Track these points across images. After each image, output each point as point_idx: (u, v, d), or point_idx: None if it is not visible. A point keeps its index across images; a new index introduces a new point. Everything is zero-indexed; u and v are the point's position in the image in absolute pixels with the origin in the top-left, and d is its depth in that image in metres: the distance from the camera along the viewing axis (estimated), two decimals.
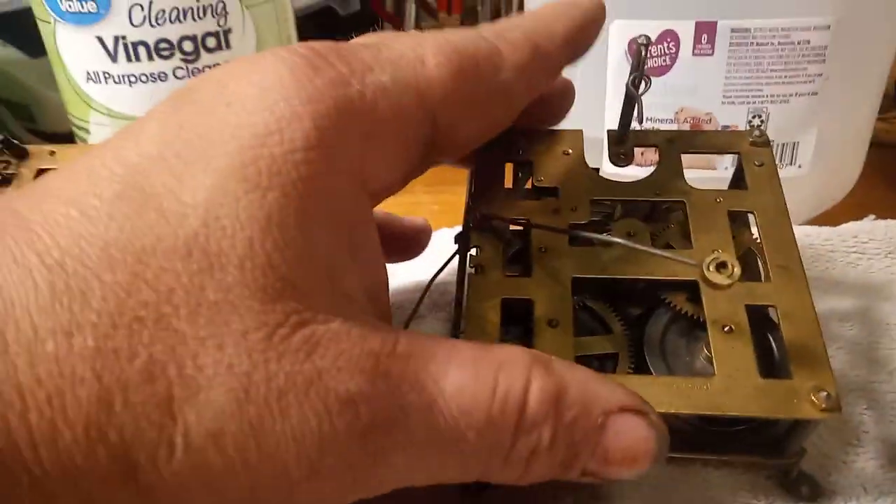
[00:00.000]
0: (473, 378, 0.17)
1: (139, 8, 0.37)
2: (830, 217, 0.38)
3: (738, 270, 0.20)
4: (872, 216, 0.36)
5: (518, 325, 0.24)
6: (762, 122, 0.35)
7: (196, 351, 0.14)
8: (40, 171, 0.29)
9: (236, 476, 0.15)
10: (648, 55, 0.25)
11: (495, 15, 0.57)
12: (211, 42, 0.39)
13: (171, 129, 0.16)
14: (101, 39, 0.38)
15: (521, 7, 0.54)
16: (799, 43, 0.33)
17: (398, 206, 0.45)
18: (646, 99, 0.27)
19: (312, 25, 0.45)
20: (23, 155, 0.29)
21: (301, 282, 0.16)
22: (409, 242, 0.30)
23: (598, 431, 0.18)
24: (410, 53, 0.19)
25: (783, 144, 0.36)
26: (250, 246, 0.15)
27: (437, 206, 0.45)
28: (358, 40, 0.21)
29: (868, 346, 0.28)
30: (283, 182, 0.16)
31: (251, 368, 0.14)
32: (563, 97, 0.26)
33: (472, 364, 0.17)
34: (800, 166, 0.37)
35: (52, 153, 0.29)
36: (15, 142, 0.29)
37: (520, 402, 0.17)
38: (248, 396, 0.14)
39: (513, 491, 0.19)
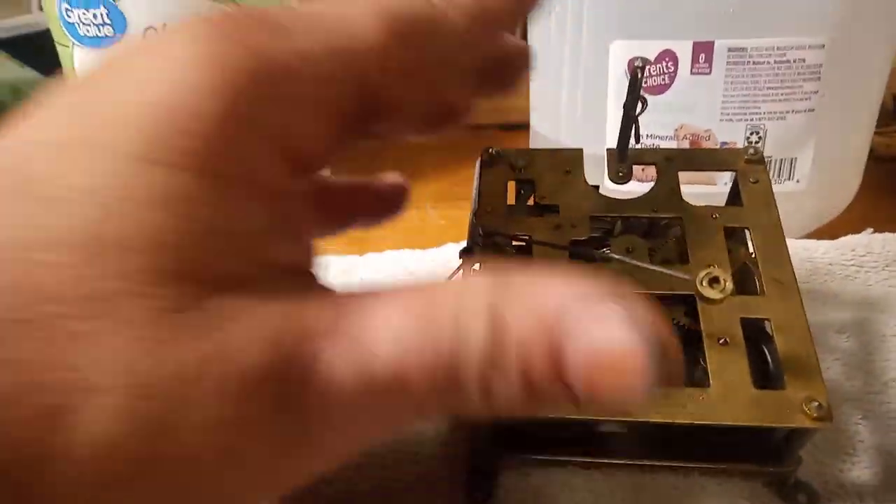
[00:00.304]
0: (413, 320, 0.15)
1: (153, 31, 0.38)
2: (829, 231, 0.38)
3: (730, 285, 0.20)
4: (870, 230, 0.37)
5: None
6: (760, 138, 0.36)
7: (88, 350, 0.13)
8: None
9: (148, 478, 0.13)
10: (646, 76, 0.26)
11: None
12: None
13: (68, 111, 0.15)
14: None
15: (525, 29, 0.56)
16: (794, 61, 0.34)
17: (405, 222, 0.46)
18: (646, 116, 0.28)
19: None
20: None
21: (209, 259, 0.14)
22: (386, 203, 0.28)
23: (552, 341, 0.14)
24: (342, 19, 0.18)
25: (781, 160, 0.37)
26: (153, 227, 0.14)
27: (444, 221, 0.46)
28: (288, 6, 0.20)
29: (864, 358, 0.29)
30: (191, 158, 0.15)
31: (148, 359, 0.13)
32: (518, 60, 0.23)
33: (409, 306, 0.15)
34: (798, 181, 0.37)
35: None
36: None
37: (463, 333, 0.15)
38: (146, 391, 0.13)
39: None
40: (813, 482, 0.25)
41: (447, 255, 0.39)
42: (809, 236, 0.38)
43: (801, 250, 0.36)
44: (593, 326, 0.14)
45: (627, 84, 0.27)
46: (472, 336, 0.14)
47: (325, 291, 0.17)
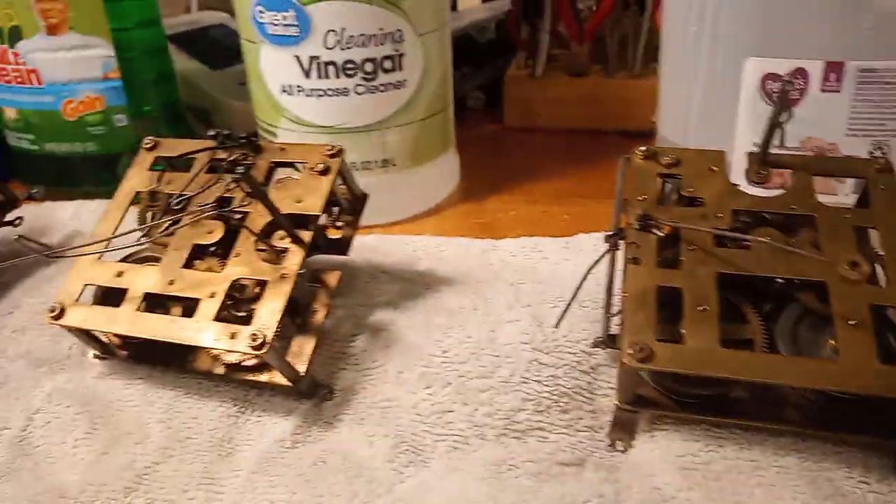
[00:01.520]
0: None
1: (333, 33, 0.44)
2: None
3: (867, 268, 0.24)
4: None
5: (667, 310, 0.29)
6: (883, 154, 0.39)
7: None
8: (273, 164, 0.36)
9: None
10: (777, 91, 0.29)
11: (622, 45, 0.62)
12: (388, 64, 0.46)
13: None
14: (298, 58, 0.45)
15: (649, 38, 0.59)
16: None
17: (529, 216, 0.51)
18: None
19: (454, 52, 0.51)
20: (258, 149, 0.36)
21: None
22: None
23: None
24: None
25: None
26: None
27: (567, 217, 0.50)
28: None
29: None
30: None
31: None
32: None
33: None
34: None
35: (283, 149, 0.36)
36: (253, 139, 0.36)
37: None
38: None
39: None
40: None
41: (579, 244, 0.43)
42: None
43: None
44: None
45: (761, 99, 0.31)
46: None
47: None
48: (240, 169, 0.28)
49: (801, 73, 0.39)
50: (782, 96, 0.29)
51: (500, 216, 0.51)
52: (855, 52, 0.38)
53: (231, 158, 0.35)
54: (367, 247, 0.44)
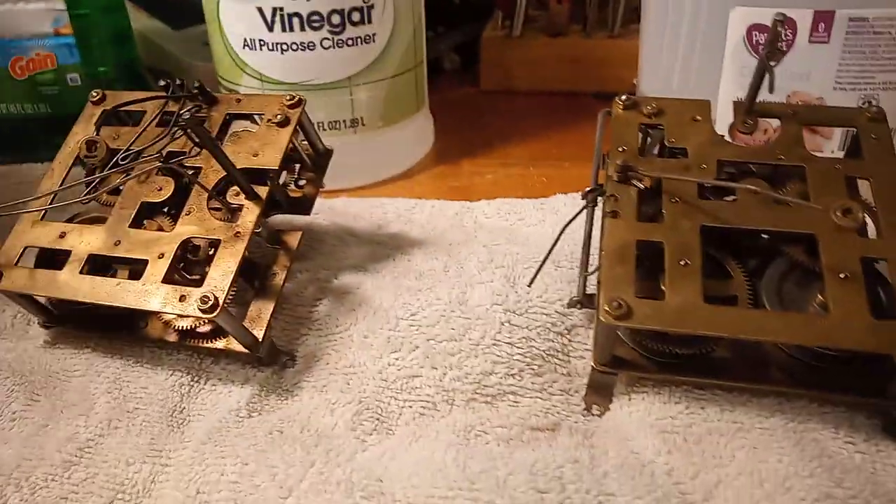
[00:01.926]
0: None
1: None
2: None
3: (861, 215, 0.22)
4: None
5: (649, 266, 0.27)
6: (881, 107, 0.37)
7: None
8: (229, 116, 0.33)
9: None
10: (783, 31, 0.27)
11: (602, 5, 0.59)
12: (356, 16, 0.43)
13: None
14: (260, 10, 0.43)
15: None
16: None
17: (506, 178, 0.49)
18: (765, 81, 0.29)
19: (428, 11, 0.49)
20: (213, 101, 0.34)
21: None
22: None
23: None
24: None
25: (892, 130, 0.38)
26: None
27: (545, 179, 0.48)
28: None
29: None
30: None
31: None
32: None
33: None
34: None
35: (238, 100, 0.34)
36: (208, 89, 0.33)
37: None
38: None
39: None
40: None
41: (555, 205, 0.41)
42: None
43: None
44: None
45: (746, 50, 0.28)
46: None
47: None
48: (185, 115, 0.26)
49: (788, 22, 0.37)
50: (773, 36, 0.27)
51: (476, 179, 0.49)
52: (844, 0, 0.36)
53: (182, 110, 0.32)
54: (336, 209, 0.42)
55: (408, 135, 0.49)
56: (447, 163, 0.51)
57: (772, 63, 0.27)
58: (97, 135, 0.33)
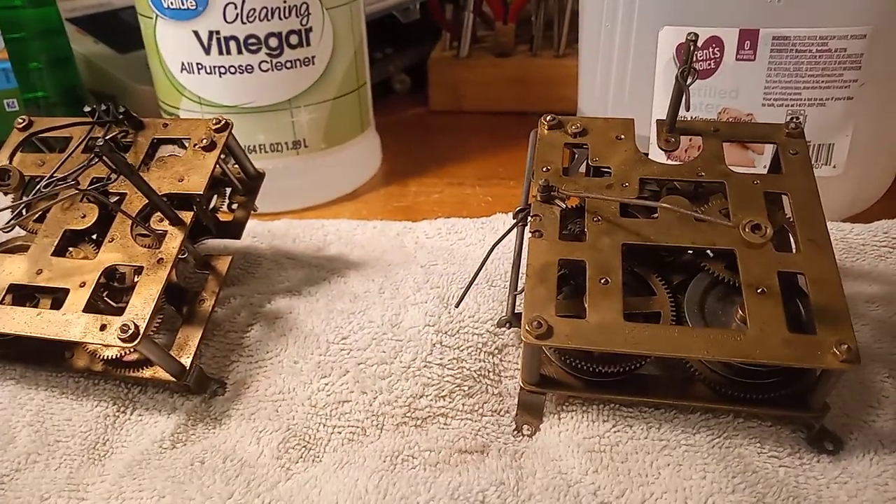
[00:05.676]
0: None
1: (233, 6, 0.42)
2: (864, 217, 0.40)
3: (770, 231, 0.22)
4: None
5: (570, 284, 0.27)
6: (799, 123, 0.38)
7: None
8: (156, 140, 0.33)
9: None
10: (696, 52, 0.28)
11: (548, 25, 0.60)
12: (294, 39, 0.43)
13: None
14: (196, 34, 0.42)
15: (573, 17, 0.58)
16: (836, 51, 0.36)
17: (452, 198, 0.49)
18: (691, 99, 0.30)
19: (376, 32, 0.49)
20: (139, 126, 0.33)
21: None
22: None
23: None
24: None
25: (819, 145, 0.39)
26: None
27: (490, 198, 0.48)
28: None
29: (891, 324, 0.31)
30: None
31: None
32: None
33: None
34: (835, 166, 0.39)
35: (165, 125, 0.33)
36: (134, 114, 0.33)
37: None
38: None
39: None
40: (838, 431, 0.27)
41: (495, 224, 0.41)
42: (844, 222, 0.40)
43: (835, 231, 0.37)
44: None
45: (677, 67, 0.29)
46: None
47: None
48: (99, 141, 0.25)
49: (715, 41, 0.38)
50: (686, 56, 0.27)
51: (422, 199, 0.49)
52: (768, 20, 0.37)
53: (107, 136, 0.32)
54: (275, 232, 0.42)
55: (352, 156, 0.49)
56: (395, 183, 0.51)
57: (687, 82, 0.28)
58: (9, 163, 0.33)
